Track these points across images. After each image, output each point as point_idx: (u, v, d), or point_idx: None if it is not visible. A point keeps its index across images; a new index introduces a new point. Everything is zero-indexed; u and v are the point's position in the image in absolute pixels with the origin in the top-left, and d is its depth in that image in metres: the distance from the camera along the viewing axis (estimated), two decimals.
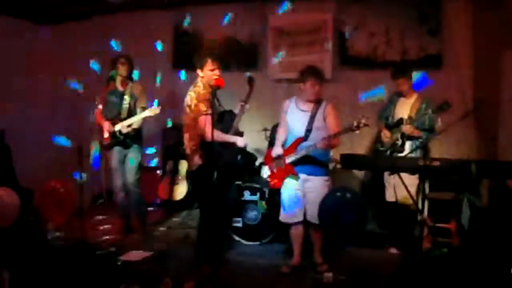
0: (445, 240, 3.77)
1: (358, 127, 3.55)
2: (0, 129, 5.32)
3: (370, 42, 5.58)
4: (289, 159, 3.80)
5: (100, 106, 4.75)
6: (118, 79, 4.69)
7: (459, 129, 4.18)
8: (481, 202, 4.16)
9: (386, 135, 4.32)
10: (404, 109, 4.30)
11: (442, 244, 3.33)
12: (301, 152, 3.75)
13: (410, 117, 4.18)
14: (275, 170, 3.91)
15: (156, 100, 4.96)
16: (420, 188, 3.78)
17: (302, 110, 3.81)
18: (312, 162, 3.75)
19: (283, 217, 3.90)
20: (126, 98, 4.66)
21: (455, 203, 4.01)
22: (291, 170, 3.80)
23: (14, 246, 3.54)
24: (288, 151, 3.82)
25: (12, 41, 5.83)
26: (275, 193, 4.05)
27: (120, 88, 4.72)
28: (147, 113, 4.54)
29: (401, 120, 4.22)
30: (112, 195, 5.13)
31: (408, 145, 4.20)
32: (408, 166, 3.54)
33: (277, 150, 3.87)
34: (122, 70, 4.65)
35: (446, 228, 3.92)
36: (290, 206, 3.83)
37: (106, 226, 5.04)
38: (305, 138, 3.75)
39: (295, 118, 3.82)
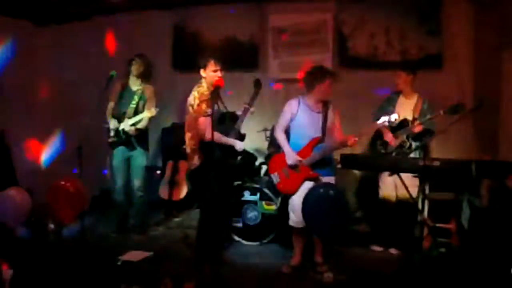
0: (444, 240, 3.77)
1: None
2: (0, 129, 5.32)
3: (370, 42, 5.58)
4: (308, 162, 3.69)
5: (112, 103, 4.74)
6: (132, 78, 4.69)
7: (459, 129, 4.18)
8: (481, 202, 4.16)
9: (390, 137, 4.26)
10: (405, 109, 4.27)
11: (440, 244, 3.33)
12: (320, 152, 3.68)
13: (414, 119, 4.17)
14: (288, 176, 3.77)
15: None
16: (420, 188, 3.79)
17: (315, 111, 3.77)
18: (321, 162, 3.71)
19: (295, 221, 3.79)
20: (135, 98, 4.65)
21: (455, 203, 4.01)
22: (311, 173, 3.69)
23: (15, 245, 3.55)
24: (304, 153, 3.72)
25: (12, 41, 5.83)
26: (287, 197, 3.92)
27: (132, 88, 4.71)
28: (145, 114, 4.54)
29: (406, 122, 4.20)
30: (111, 194, 5.12)
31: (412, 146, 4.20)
32: (408, 166, 3.54)
33: (294, 156, 3.71)
34: (133, 69, 4.64)
35: (446, 228, 3.93)
36: (301, 211, 3.70)
37: None
38: (322, 138, 3.72)
39: (309, 119, 3.76)
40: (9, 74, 5.66)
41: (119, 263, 3.86)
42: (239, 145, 3.88)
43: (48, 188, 4.66)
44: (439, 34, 5.29)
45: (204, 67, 3.87)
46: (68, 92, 6.21)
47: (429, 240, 3.73)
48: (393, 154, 4.22)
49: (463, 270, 3.01)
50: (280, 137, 3.83)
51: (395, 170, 3.62)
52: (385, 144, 4.32)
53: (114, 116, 4.70)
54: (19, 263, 3.24)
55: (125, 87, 4.74)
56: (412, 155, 4.18)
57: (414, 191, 4.10)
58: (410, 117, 4.23)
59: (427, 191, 4.40)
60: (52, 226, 4.62)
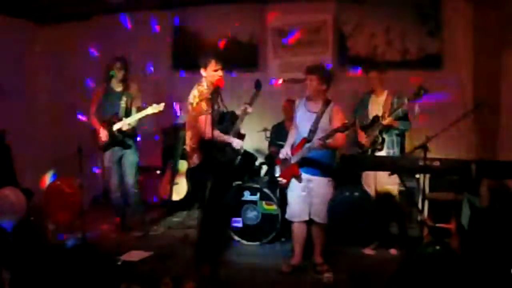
0: (441, 240, 3.77)
1: (346, 128, 3.57)
2: (0, 129, 5.32)
3: (370, 42, 5.59)
4: (294, 159, 3.80)
5: (94, 106, 4.75)
6: (114, 80, 4.69)
7: (459, 129, 4.18)
8: (481, 202, 4.17)
9: (363, 137, 4.31)
10: (377, 107, 4.31)
11: (436, 242, 3.32)
12: (302, 153, 3.75)
13: (384, 113, 4.19)
14: (282, 170, 3.92)
15: None
16: (420, 188, 3.79)
17: (310, 111, 3.81)
18: (316, 163, 3.76)
19: (289, 215, 3.92)
20: (124, 98, 4.66)
21: (455, 203, 4.01)
22: (295, 170, 3.79)
23: (14, 246, 3.54)
24: (294, 151, 3.83)
25: (12, 41, 5.83)
26: (284, 192, 4.07)
27: (116, 89, 4.71)
28: (150, 110, 4.54)
29: (376, 118, 4.23)
30: (108, 194, 5.13)
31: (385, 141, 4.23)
32: (408, 166, 3.54)
33: (284, 151, 3.88)
34: (118, 73, 4.64)
35: (446, 228, 3.93)
36: (294, 205, 3.85)
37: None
38: (309, 138, 3.75)
39: (303, 118, 3.84)
40: (9, 74, 5.67)
41: (119, 263, 3.85)
42: (236, 143, 3.88)
43: (44, 190, 4.68)
44: (439, 34, 5.29)
45: (205, 66, 3.87)
46: (67, 92, 6.22)
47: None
48: (369, 152, 4.24)
49: (463, 270, 3.01)
50: (289, 134, 4.03)
51: (395, 170, 3.62)
52: (360, 144, 4.33)
53: (103, 120, 4.70)
54: (18, 263, 3.23)
55: (107, 90, 4.73)
56: (385, 150, 4.20)
57: (392, 189, 4.15)
58: (380, 114, 4.24)
59: (427, 191, 4.41)
60: (51, 226, 4.63)
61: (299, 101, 3.93)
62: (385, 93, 4.32)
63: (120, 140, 4.67)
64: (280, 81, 5.62)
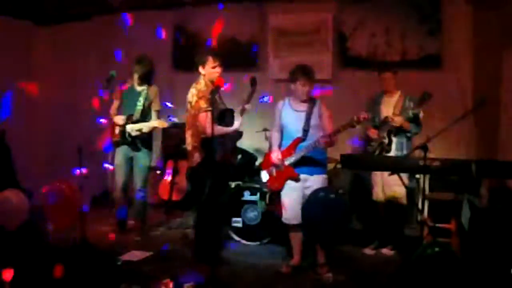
0: (441, 240, 3.77)
1: (358, 122, 3.58)
2: (0, 129, 5.32)
3: (370, 42, 5.58)
4: (288, 161, 3.77)
5: (116, 102, 4.74)
6: (135, 79, 4.68)
7: (459, 129, 4.18)
8: (481, 202, 4.17)
9: (373, 132, 4.31)
10: (388, 107, 4.31)
11: (436, 243, 3.32)
12: (300, 152, 3.73)
13: (394, 114, 4.20)
14: (274, 174, 3.86)
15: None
16: (420, 188, 3.79)
17: (297, 110, 3.80)
18: (310, 162, 3.74)
19: (286, 219, 3.85)
20: (141, 99, 4.64)
21: (455, 203, 4.01)
22: (292, 172, 3.75)
23: (15, 246, 3.54)
24: (287, 152, 3.79)
25: (12, 42, 5.83)
26: (276, 195, 4.01)
27: (137, 88, 4.70)
28: (156, 124, 4.59)
29: (387, 119, 4.23)
30: (109, 194, 5.11)
31: (394, 143, 4.22)
32: (409, 166, 3.54)
33: (275, 156, 3.81)
34: (137, 70, 4.63)
35: (446, 228, 3.93)
36: (291, 208, 3.79)
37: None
38: (303, 138, 3.74)
39: (291, 118, 3.81)
40: (9, 74, 5.66)
41: (119, 263, 3.85)
42: (236, 125, 3.89)
43: (41, 191, 4.67)
44: (439, 34, 5.29)
45: (203, 64, 3.87)
46: (67, 92, 6.21)
47: (429, 240, 3.73)
48: (376, 152, 4.24)
49: (463, 270, 3.01)
50: (272, 136, 4.00)
51: (395, 170, 3.62)
52: (370, 143, 4.33)
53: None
54: (19, 264, 3.24)
55: (129, 87, 4.73)
56: (393, 151, 4.20)
57: (400, 191, 4.12)
58: (391, 114, 4.25)
59: (427, 191, 4.41)
60: (51, 227, 4.62)
61: (283, 102, 3.89)
62: (398, 93, 4.32)
63: (130, 141, 4.66)
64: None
